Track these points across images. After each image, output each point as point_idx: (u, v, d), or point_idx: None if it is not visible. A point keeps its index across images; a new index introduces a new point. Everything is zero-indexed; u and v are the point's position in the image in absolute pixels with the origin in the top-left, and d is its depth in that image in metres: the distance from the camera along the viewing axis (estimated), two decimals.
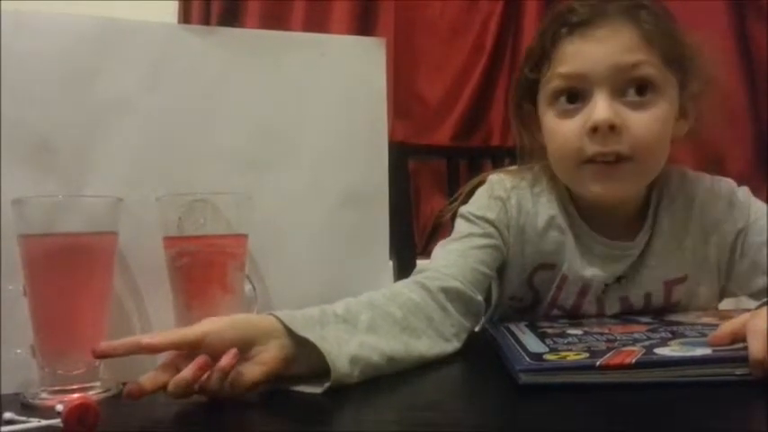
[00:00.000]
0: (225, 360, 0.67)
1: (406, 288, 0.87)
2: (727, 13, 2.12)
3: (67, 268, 0.74)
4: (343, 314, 0.78)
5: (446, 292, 0.89)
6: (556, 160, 0.96)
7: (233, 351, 0.67)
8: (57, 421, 0.58)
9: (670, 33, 0.91)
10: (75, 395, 0.69)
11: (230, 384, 0.67)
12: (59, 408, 0.59)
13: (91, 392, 0.72)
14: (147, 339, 0.68)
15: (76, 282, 0.74)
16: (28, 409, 0.68)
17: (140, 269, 0.83)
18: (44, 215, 0.74)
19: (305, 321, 0.74)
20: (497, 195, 1.01)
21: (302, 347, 0.72)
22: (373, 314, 0.79)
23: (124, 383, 0.75)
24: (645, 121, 0.89)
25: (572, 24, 0.92)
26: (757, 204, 1.00)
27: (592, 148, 0.90)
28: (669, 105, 0.91)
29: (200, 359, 0.67)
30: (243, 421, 0.67)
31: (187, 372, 0.66)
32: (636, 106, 0.89)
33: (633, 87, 0.89)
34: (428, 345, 0.82)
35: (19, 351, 0.74)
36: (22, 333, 0.74)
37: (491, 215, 0.99)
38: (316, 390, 0.70)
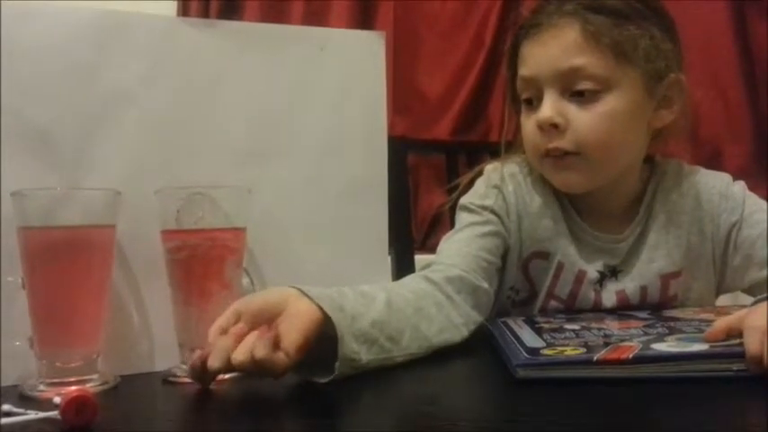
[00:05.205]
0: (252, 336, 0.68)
1: (413, 281, 0.90)
2: (727, 10, 2.12)
3: (66, 261, 0.74)
4: (361, 290, 0.79)
5: (451, 282, 0.90)
6: (527, 153, 1.01)
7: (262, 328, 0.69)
8: (54, 413, 0.58)
9: (619, 27, 0.92)
10: (73, 387, 0.69)
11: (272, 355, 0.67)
12: (57, 400, 0.59)
13: (89, 385, 0.71)
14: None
15: (75, 274, 0.75)
16: (26, 400, 0.68)
17: (139, 262, 0.83)
18: (43, 208, 0.74)
19: (323, 292, 0.74)
20: (494, 183, 1.03)
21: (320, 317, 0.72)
22: (389, 294, 0.81)
23: (122, 376, 0.76)
24: (588, 119, 0.92)
25: (527, 27, 0.97)
26: (752, 198, 1.01)
27: (543, 144, 0.95)
28: (622, 99, 0.93)
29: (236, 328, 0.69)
30: (239, 414, 0.67)
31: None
32: (581, 104, 0.93)
33: (578, 86, 0.92)
34: (437, 329, 0.83)
35: (18, 343, 0.74)
36: (21, 325, 0.74)
37: (489, 202, 1.01)
38: (325, 378, 0.70)
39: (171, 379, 0.76)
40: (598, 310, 1.00)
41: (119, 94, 0.84)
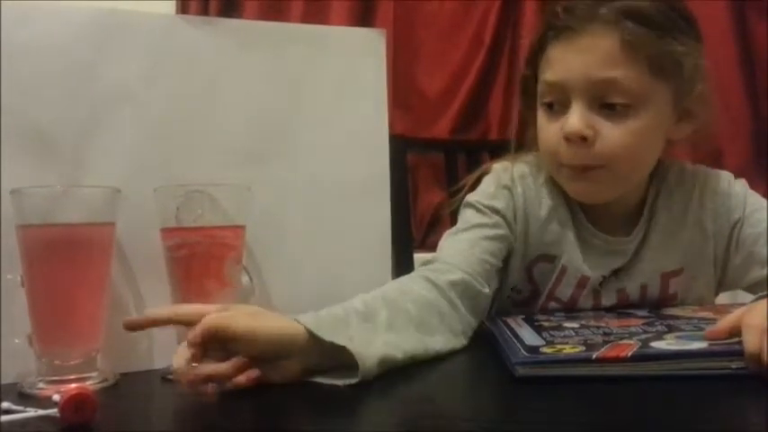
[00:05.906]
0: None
1: (416, 284, 0.87)
2: (727, 10, 2.12)
3: (65, 259, 0.74)
4: (363, 311, 0.77)
5: (454, 285, 0.89)
6: (543, 157, 0.99)
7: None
8: (54, 411, 0.58)
9: (659, 41, 0.89)
10: (73, 385, 0.69)
11: None
12: (56, 398, 0.59)
13: (88, 382, 0.72)
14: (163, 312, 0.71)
15: (74, 272, 0.75)
16: (25, 398, 0.68)
17: (138, 260, 0.83)
18: (42, 206, 0.74)
19: (331, 323, 0.73)
20: (504, 184, 1.01)
21: (327, 348, 0.71)
22: (390, 312, 0.79)
23: (121, 374, 0.76)
24: (618, 134, 0.89)
25: (558, 28, 0.92)
26: (753, 197, 1.01)
27: (566, 154, 0.92)
28: (652, 115, 0.90)
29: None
30: (239, 412, 0.67)
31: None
32: (611, 117, 0.89)
33: (609, 99, 0.89)
34: (442, 342, 0.83)
35: (17, 341, 0.74)
36: (21, 323, 0.74)
37: (499, 205, 0.99)
38: (337, 382, 0.70)
39: (170, 377, 0.76)
40: (598, 308, 1.00)
41: (118, 92, 0.84)
